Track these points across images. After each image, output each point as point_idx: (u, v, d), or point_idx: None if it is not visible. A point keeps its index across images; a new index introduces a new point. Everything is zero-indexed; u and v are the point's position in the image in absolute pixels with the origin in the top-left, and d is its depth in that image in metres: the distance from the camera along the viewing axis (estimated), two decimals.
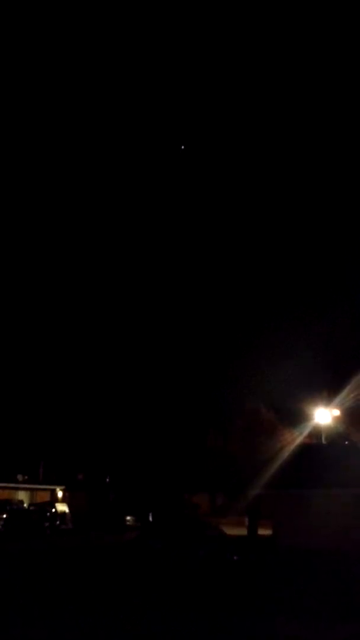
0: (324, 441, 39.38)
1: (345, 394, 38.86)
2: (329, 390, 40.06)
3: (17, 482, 48.14)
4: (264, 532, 34.75)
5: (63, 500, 47.82)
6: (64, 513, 41.28)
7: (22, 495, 47.97)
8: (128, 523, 43.21)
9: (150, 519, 43.16)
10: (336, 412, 40.14)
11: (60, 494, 50.69)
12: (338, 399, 39.63)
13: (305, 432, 38.41)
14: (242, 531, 35.32)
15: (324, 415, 40.10)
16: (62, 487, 50.93)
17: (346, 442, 38.02)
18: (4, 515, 37.99)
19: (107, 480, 50.52)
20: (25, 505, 44.50)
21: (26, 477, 49.28)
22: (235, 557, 24.96)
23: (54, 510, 40.75)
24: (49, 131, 41.22)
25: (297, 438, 36.73)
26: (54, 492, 50.65)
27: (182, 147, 37.01)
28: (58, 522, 39.59)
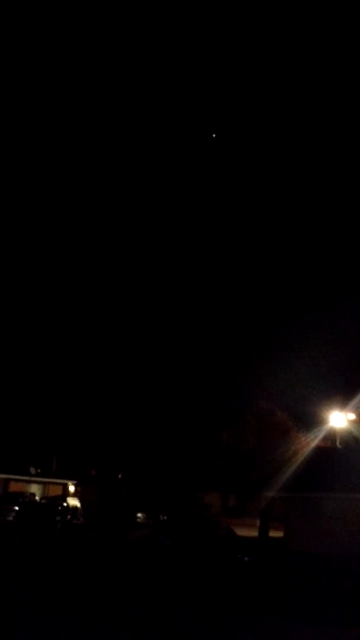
0: (338, 445, 39.07)
1: None
2: (345, 394, 39.72)
3: (29, 474, 48.36)
4: (275, 534, 34.58)
5: (75, 495, 48.00)
6: (75, 507, 41.43)
7: (34, 489, 48.22)
8: (139, 520, 43.26)
9: (161, 516, 43.17)
10: (352, 416, 39.78)
11: (72, 488, 50.86)
12: (354, 402, 39.28)
13: (320, 435, 38.09)
14: (254, 533, 35.16)
15: (339, 419, 39.75)
16: (74, 482, 51.10)
17: None
18: (16, 508, 38.18)
19: (119, 476, 50.59)
20: (37, 498, 44.71)
21: (39, 470, 49.48)
22: (245, 558, 24.90)
23: (65, 504, 40.92)
24: (48, 128, 41.27)
25: (311, 441, 36.45)
26: (65, 487, 50.84)
27: (214, 135, 36.63)
28: (69, 517, 39.73)
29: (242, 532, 30.68)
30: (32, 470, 48.54)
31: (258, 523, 36.42)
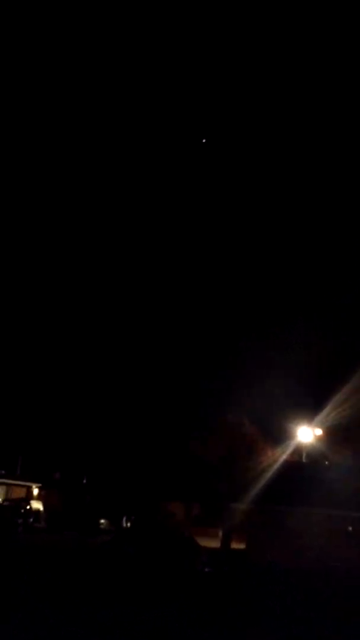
0: (304, 459, 39.48)
1: (327, 413, 39.03)
2: (312, 409, 40.20)
3: None
4: (238, 545, 34.69)
5: (38, 498, 47.49)
6: (38, 511, 41.01)
7: None
8: (102, 526, 42.99)
9: (124, 523, 42.98)
10: (319, 432, 40.25)
11: (36, 491, 50.31)
12: (320, 417, 39.78)
13: (288, 449, 38.47)
14: (216, 543, 35.22)
15: (306, 434, 40.19)
16: (39, 485, 50.56)
17: (326, 462, 38.12)
18: None
19: (84, 481, 50.23)
20: None
21: (3, 472, 48.86)
22: (206, 569, 24.90)
23: (28, 507, 40.47)
24: (48, 127, 41.12)
25: (278, 455, 36.78)
26: (29, 489, 50.26)
27: (204, 140, 36.77)
28: (32, 520, 39.31)
29: (204, 542, 30.67)
30: None
31: (221, 534, 36.52)
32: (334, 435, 39.88)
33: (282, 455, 37.19)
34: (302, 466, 37.26)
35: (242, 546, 33.84)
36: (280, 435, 39.60)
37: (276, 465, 34.75)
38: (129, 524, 41.82)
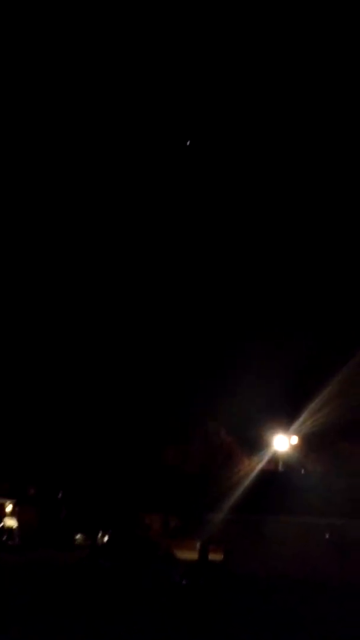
0: (280, 468, 39.43)
1: (303, 421, 39.12)
2: (288, 417, 40.23)
3: None
4: (216, 556, 34.39)
5: (12, 515, 46.63)
6: (11, 528, 40.27)
7: None
8: (77, 541, 42.40)
9: (101, 537, 42.44)
10: (294, 440, 40.27)
11: (9, 507, 49.38)
12: (296, 426, 39.84)
13: (264, 458, 38.39)
14: (194, 555, 34.89)
15: (282, 442, 40.18)
16: (12, 501, 49.64)
17: (302, 470, 38.11)
18: None
19: (59, 496, 49.49)
20: None
21: None
22: (183, 581, 24.62)
23: (1, 524, 39.72)
24: (47, 128, 40.74)
25: (255, 464, 36.67)
26: (2, 506, 49.31)
27: (188, 142, 36.58)
28: (4, 537, 38.56)
29: (182, 554, 30.38)
30: None
31: (198, 545, 36.20)
32: (310, 443, 39.95)
33: (259, 464, 37.09)
34: (278, 475, 37.20)
35: (219, 557, 33.56)
36: (256, 444, 39.54)
37: (253, 474, 34.63)
38: (105, 538, 41.26)
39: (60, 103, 39.70)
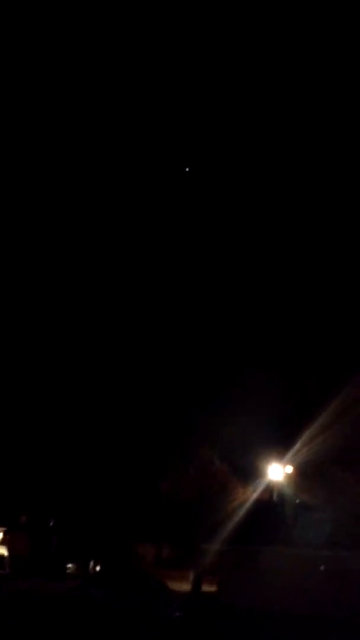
0: (275, 498, 39.11)
1: (297, 450, 38.91)
2: (283, 446, 40.02)
3: None
4: (209, 588, 33.94)
5: (3, 543, 46.00)
6: (2, 557, 39.73)
7: None
8: (69, 570, 41.84)
9: (91, 567, 41.90)
10: (289, 469, 39.99)
11: (0, 535, 48.74)
12: (291, 455, 39.60)
13: (258, 487, 38.09)
14: (187, 586, 34.43)
15: (277, 472, 39.90)
16: (3, 529, 49.02)
17: (297, 501, 37.81)
18: None
19: (51, 524, 48.90)
20: None
21: None
22: (177, 613, 24.26)
23: None
24: (49, 135, 41.09)
25: (249, 493, 36.38)
26: None
27: (187, 169, 36.98)
28: None
29: (175, 585, 29.93)
30: None
31: (192, 576, 35.75)
32: (305, 472, 39.69)
33: (253, 493, 36.80)
34: (273, 504, 36.91)
35: (213, 588, 33.12)
36: (251, 473, 39.27)
37: (247, 504, 34.38)
38: (97, 568, 40.70)
39: (61, 112, 40.09)
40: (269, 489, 40.12)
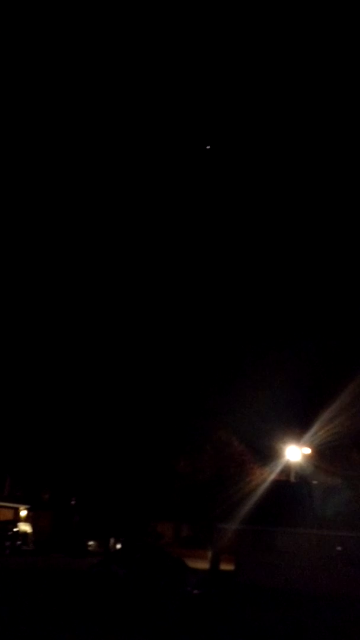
0: (292, 479, 39.42)
1: (315, 431, 39.04)
2: (301, 428, 40.21)
3: None
4: (227, 567, 34.49)
5: (26, 520, 47.05)
6: (25, 533, 40.66)
7: None
8: (90, 548, 42.67)
9: (112, 544, 42.68)
10: (307, 450, 40.22)
11: (23, 513, 49.85)
12: (309, 436, 39.77)
13: (276, 468, 38.41)
14: (205, 564, 35.00)
15: (295, 453, 40.17)
16: (27, 507, 50.11)
17: (315, 482, 38.11)
18: None
19: (73, 502, 49.84)
20: None
21: None
22: (195, 591, 24.79)
23: (16, 529, 40.12)
24: (49, 129, 41.26)
25: (267, 474, 36.71)
26: (17, 511, 49.80)
27: (208, 147, 36.76)
28: (19, 542, 38.95)
29: (193, 563, 30.50)
30: None
31: (210, 555, 36.32)
32: (323, 453, 39.88)
33: (271, 474, 37.11)
34: (290, 486, 37.22)
35: (231, 567, 33.65)
36: (268, 455, 39.57)
37: (265, 485, 34.69)
38: (117, 546, 41.51)
39: (69, 106, 40.18)
40: (287, 470, 40.45)
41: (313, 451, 40.80)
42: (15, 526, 40.85)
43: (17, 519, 47.17)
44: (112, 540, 42.83)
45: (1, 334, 44.10)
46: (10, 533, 38.91)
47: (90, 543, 43.33)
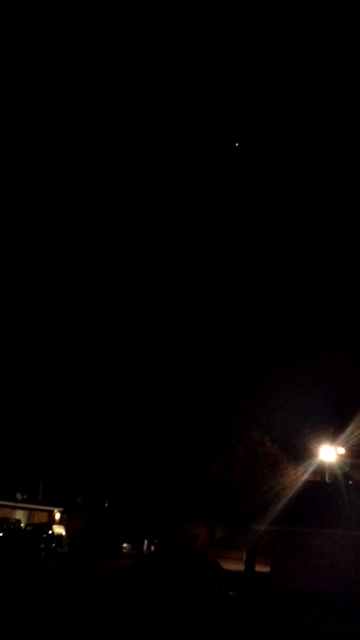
0: (327, 479, 38.91)
1: (350, 432, 38.52)
2: (335, 428, 39.72)
3: (15, 500, 47.78)
4: (262, 569, 34.16)
5: (61, 523, 47.42)
6: (60, 536, 40.93)
7: (20, 515, 47.54)
8: (124, 550, 42.75)
9: (145, 547, 42.69)
10: (341, 451, 39.69)
11: (58, 515, 50.25)
12: (343, 436, 39.25)
13: (310, 469, 37.96)
14: (240, 566, 34.74)
15: (329, 453, 39.66)
16: (61, 509, 50.50)
17: (350, 482, 37.55)
18: (0, 534, 37.64)
19: (106, 504, 50.04)
20: (22, 525, 44.11)
21: (25, 496, 48.91)
22: (230, 593, 24.57)
23: (50, 532, 40.41)
24: (51, 129, 41.73)
25: (300, 474, 36.29)
26: (51, 514, 50.22)
27: (237, 144, 36.78)
28: (54, 545, 39.21)
29: (228, 565, 30.27)
30: (19, 496, 47.96)
31: (245, 556, 36.02)
32: (357, 454, 39.30)
33: (304, 474, 36.68)
34: (325, 486, 36.71)
35: (266, 569, 33.32)
36: (302, 454, 39.17)
37: (299, 486, 34.28)
38: (151, 548, 41.49)
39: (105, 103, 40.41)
40: (321, 470, 39.96)
41: (347, 451, 40.25)
42: (50, 529, 41.14)
43: (51, 521, 47.57)
44: (145, 543, 42.84)
45: (27, 339, 44.60)
46: (45, 535, 39.20)
47: (124, 545, 43.42)
